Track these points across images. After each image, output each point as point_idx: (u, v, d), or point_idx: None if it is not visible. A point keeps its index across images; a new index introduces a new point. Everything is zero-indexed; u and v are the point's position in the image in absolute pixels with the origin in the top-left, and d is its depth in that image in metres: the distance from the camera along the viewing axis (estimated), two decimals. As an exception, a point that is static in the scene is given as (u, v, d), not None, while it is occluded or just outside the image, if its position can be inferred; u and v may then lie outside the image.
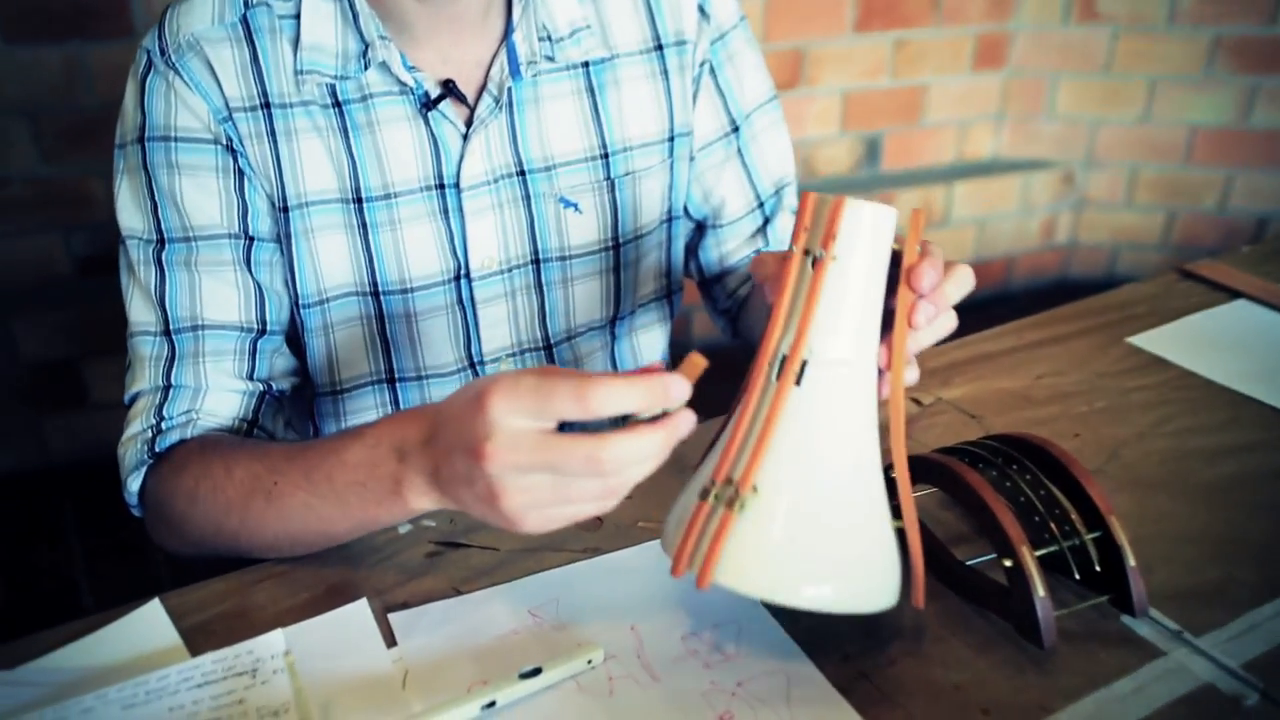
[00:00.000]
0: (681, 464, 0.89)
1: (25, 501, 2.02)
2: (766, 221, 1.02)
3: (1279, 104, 2.54)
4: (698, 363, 0.62)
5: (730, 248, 1.03)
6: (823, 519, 0.65)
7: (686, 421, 0.61)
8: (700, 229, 1.03)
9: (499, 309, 0.93)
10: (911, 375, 0.71)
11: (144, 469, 0.82)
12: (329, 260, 0.87)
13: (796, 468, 0.65)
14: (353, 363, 0.91)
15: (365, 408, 0.94)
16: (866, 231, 0.65)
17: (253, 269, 0.85)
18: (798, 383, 0.64)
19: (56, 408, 2.08)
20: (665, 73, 0.94)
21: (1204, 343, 1.06)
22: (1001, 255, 2.81)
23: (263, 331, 0.86)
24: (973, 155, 2.75)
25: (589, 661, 0.69)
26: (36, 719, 0.64)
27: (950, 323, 0.72)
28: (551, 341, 0.97)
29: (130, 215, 0.84)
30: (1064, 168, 2.75)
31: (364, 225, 0.86)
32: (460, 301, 0.91)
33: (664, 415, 0.62)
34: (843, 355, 0.66)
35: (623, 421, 0.62)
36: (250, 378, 0.86)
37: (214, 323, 0.84)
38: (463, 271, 0.90)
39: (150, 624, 0.72)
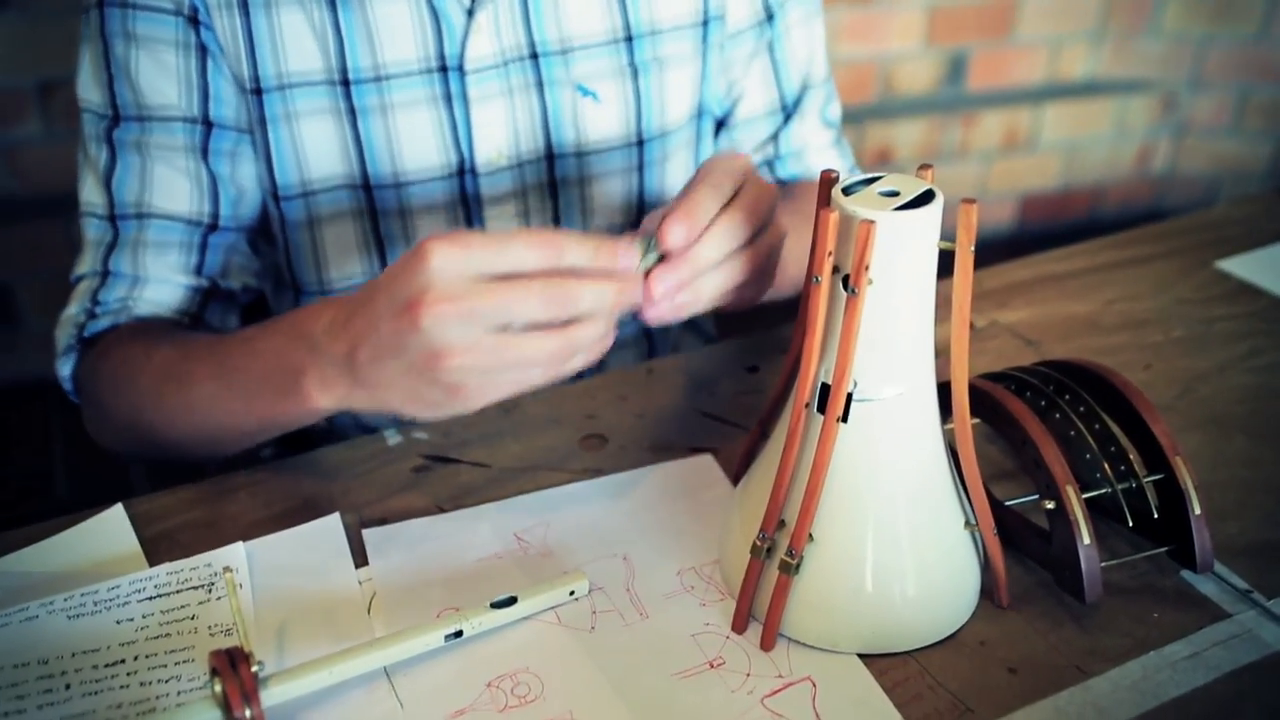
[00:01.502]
0: (699, 386, 0.82)
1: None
2: (783, 126, 0.92)
3: None
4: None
5: (744, 151, 0.93)
6: (888, 560, 0.59)
7: (635, 289, 0.57)
8: (719, 126, 0.94)
9: (508, 209, 0.85)
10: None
11: (74, 354, 0.79)
12: (314, 148, 0.80)
13: (855, 512, 0.58)
14: (342, 261, 0.85)
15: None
16: (909, 249, 0.54)
17: (209, 158, 0.79)
18: (843, 419, 0.56)
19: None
20: None
21: (1305, 270, 0.94)
22: (1091, 183, 2.64)
23: (215, 226, 0.80)
24: (1066, 75, 2.57)
25: (571, 592, 0.63)
26: (-24, 624, 0.60)
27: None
28: None
29: (86, 85, 0.79)
30: (1166, 90, 2.55)
31: (352, 110, 0.79)
32: (464, 199, 0.84)
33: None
34: (892, 385, 0.57)
35: None
36: (198, 273, 0.80)
37: (160, 211, 0.79)
38: (467, 166, 0.82)
39: (112, 529, 0.68)
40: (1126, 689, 0.57)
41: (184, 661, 0.59)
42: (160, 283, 0.80)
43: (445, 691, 0.57)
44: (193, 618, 0.62)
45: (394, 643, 0.58)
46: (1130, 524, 0.63)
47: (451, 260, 0.53)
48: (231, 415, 0.68)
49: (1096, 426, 0.65)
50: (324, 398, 0.61)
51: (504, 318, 0.53)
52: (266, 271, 0.88)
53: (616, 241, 0.56)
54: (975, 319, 0.89)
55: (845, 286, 0.55)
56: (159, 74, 0.76)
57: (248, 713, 0.52)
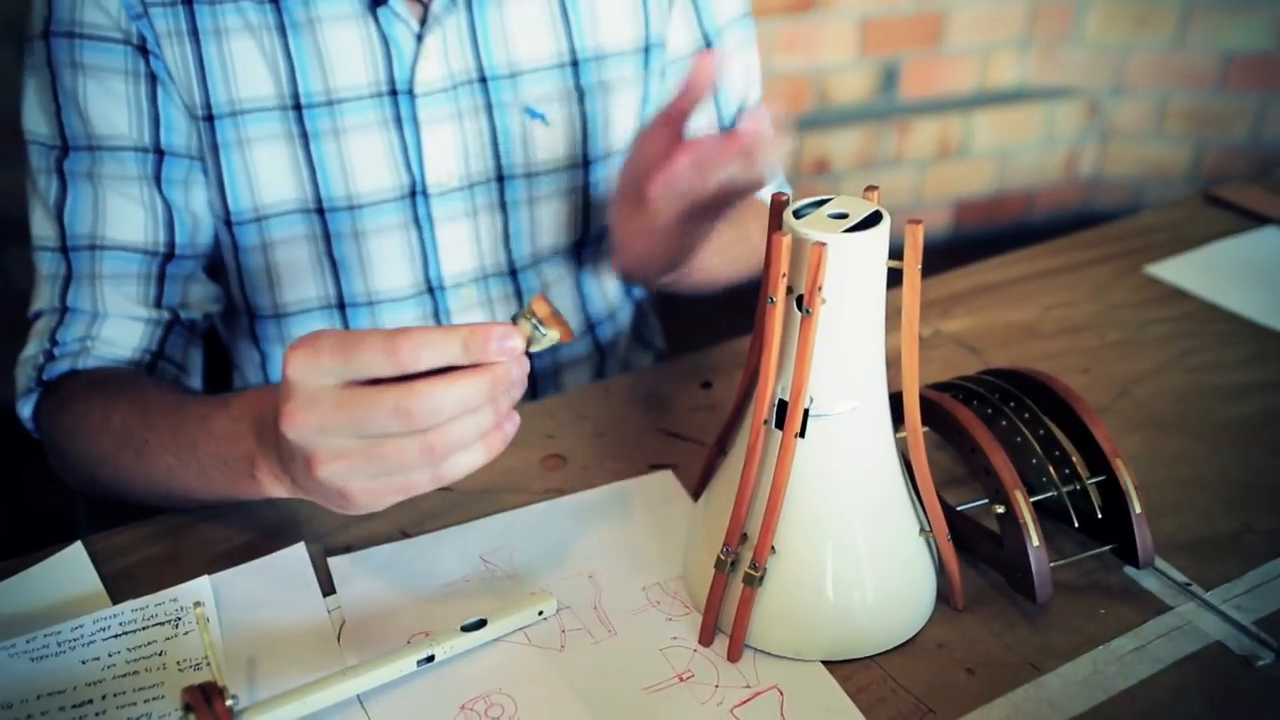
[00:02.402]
0: (656, 403, 0.83)
1: (18, 432, 1.99)
2: None
3: (1321, 27, 2.41)
4: (539, 309, 0.55)
5: None
6: (848, 569, 0.61)
7: (520, 369, 0.53)
8: None
9: (459, 229, 0.86)
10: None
11: (34, 396, 0.78)
12: (266, 173, 0.80)
13: (815, 523, 0.60)
14: (296, 285, 0.85)
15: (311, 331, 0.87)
16: (859, 269, 0.56)
17: (163, 186, 0.79)
18: (801, 434, 0.58)
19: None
20: None
21: (1229, 272, 0.98)
22: (1022, 188, 2.71)
23: (171, 255, 0.80)
24: (995, 83, 2.63)
25: (540, 613, 0.64)
26: (-63, 670, 0.59)
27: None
28: (516, 267, 0.90)
29: (33, 117, 0.78)
30: (1090, 96, 2.63)
31: (304, 134, 0.79)
32: (416, 220, 0.84)
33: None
34: (846, 400, 0.59)
35: None
36: (157, 305, 0.80)
37: (115, 243, 0.78)
38: (418, 188, 0.83)
39: (71, 568, 0.67)
40: (1078, 684, 0.59)
41: (154, 699, 0.59)
42: (119, 318, 0.78)
43: (419, 716, 0.58)
44: (161, 654, 0.61)
45: (367, 670, 0.58)
46: (1076, 524, 0.66)
47: (305, 369, 0.52)
48: (188, 489, 0.68)
49: (1041, 432, 0.67)
50: (274, 487, 0.61)
51: (359, 429, 0.51)
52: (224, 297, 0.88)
53: (490, 328, 0.51)
54: (920, 329, 0.91)
55: (799, 307, 0.56)
56: (109, 103, 0.76)
57: (224, 747, 0.52)
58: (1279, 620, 0.63)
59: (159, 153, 0.78)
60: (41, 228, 0.79)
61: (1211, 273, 0.98)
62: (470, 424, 0.52)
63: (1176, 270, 0.99)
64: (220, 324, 0.93)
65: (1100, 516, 0.65)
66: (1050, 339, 0.90)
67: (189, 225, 0.81)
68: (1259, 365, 0.86)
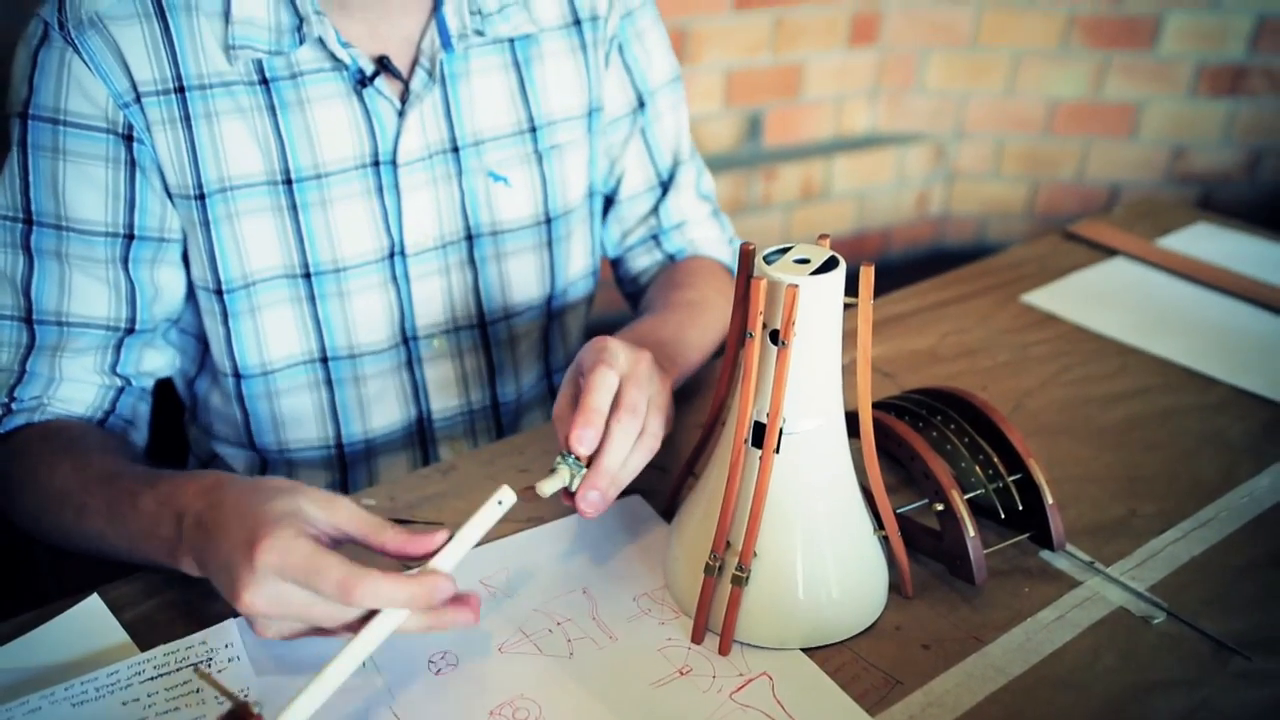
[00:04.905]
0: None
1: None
2: (661, 199, 1.04)
3: (1128, 77, 2.70)
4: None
5: (629, 225, 1.05)
6: (817, 567, 0.69)
7: (443, 589, 0.62)
8: (607, 205, 1.05)
9: (433, 285, 0.92)
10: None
11: None
12: (255, 244, 0.85)
13: (788, 528, 0.69)
14: (282, 344, 0.89)
15: (296, 386, 0.92)
16: (822, 306, 0.66)
17: (129, 266, 0.83)
18: (776, 450, 0.67)
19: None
20: (584, 47, 0.95)
21: (1090, 298, 1.13)
22: (879, 227, 2.91)
23: (131, 330, 0.85)
24: (850, 130, 2.83)
25: (499, 502, 0.66)
26: (-18, 721, 0.62)
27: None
28: (487, 320, 0.96)
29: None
30: (936, 140, 2.86)
31: (294, 206, 0.85)
32: (394, 279, 0.91)
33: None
34: (811, 419, 0.68)
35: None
36: (113, 372, 0.85)
37: (79, 319, 0.82)
38: (397, 249, 0.90)
39: (92, 619, 0.70)
40: (1015, 650, 0.70)
41: (200, 730, 0.63)
42: (75, 382, 0.83)
43: (454, 725, 0.64)
44: (198, 690, 0.65)
45: (367, 636, 0.61)
46: (1002, 516, 0.77)
47: (272, 568, 0.59)
48: (118, 553, 0.73)
49: (966, 440, 0.78)
50: (194, 569, 0.66)
51: (301, 619, 0.61)
52: (188, 353, 0.92)
53: (432, 579, 0.61)
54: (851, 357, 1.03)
55: (774, 340, 0.66)
56: (86, 188, 0.79)
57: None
58: (1166, 586, 0.75)
59: (129, 236, 0.82)
60: (1, 296, 0.81)
61: (1076, 299, 1.13)
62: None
63: (1047, 298, 1.13)
64: (186, 389, 0.96)
65: (1020, 509, 0.77)
66: (951, 361, 1.03)
67: (150, 299, 0.85)
68: (1124, 377, 1.00)
